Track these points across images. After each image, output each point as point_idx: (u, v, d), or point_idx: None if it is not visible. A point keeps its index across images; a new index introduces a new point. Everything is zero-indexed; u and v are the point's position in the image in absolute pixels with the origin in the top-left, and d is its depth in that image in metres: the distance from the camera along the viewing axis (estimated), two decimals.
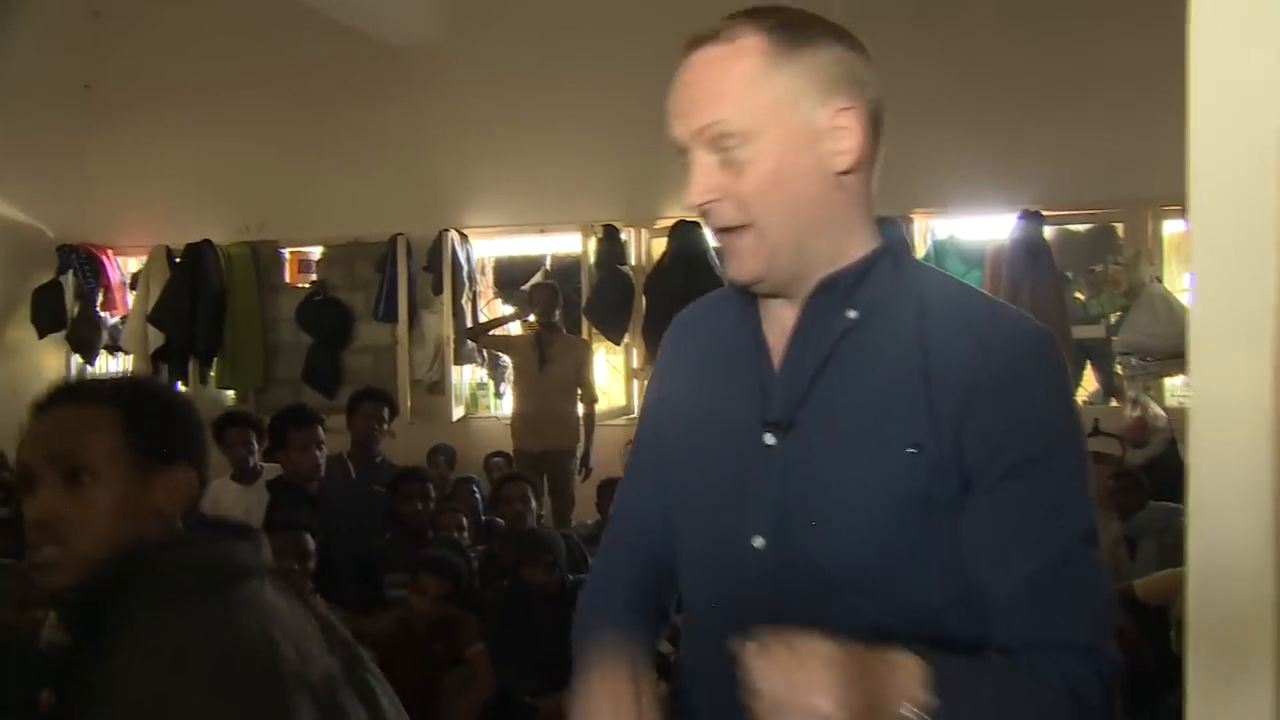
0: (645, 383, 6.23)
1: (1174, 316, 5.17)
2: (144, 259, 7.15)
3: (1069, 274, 5.84)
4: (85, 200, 7.21)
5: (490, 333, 6.18)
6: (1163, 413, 5.15)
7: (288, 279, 7.15)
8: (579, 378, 5.70)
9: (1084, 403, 5.83)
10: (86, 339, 7.15)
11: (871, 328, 1.08)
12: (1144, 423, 5.07)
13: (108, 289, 7.29)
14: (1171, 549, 3.67)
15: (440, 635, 3.30)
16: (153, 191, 7.07)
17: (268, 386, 7.00)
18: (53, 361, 7.35)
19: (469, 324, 6.53)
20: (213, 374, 6.99)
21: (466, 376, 6.94)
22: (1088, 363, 5.87)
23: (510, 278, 7.14)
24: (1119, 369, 5.57)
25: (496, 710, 3.26)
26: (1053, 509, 1.02)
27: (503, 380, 6.70)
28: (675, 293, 5.53)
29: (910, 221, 5.80)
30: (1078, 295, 5.89)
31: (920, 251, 5.77)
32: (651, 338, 5.95)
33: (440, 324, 6.60)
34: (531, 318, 6.01)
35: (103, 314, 7.27)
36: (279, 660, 1.16)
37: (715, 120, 1.05)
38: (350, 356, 6.86)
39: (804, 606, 0.97)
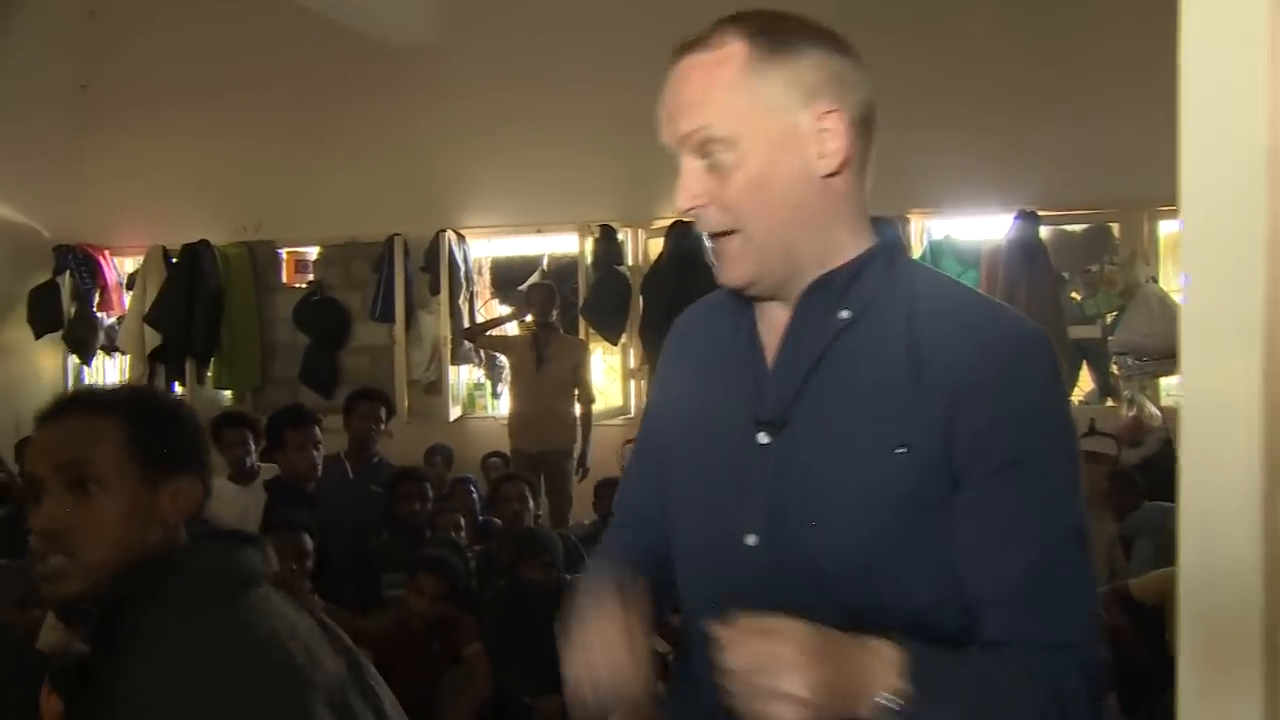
0: (642, 383, 6.26)
1: (1169, 316, 5.16)
2: (140, 259, 7.13)
3: (1065, 274, 5.84)
4: (82, 200, 7.20)
5: (487, 333, 6.19)
6: (1158, 412, 5.17)
7: (285, 279, 7.14)
8: (576, 378, 5.70)
9: (1080, 402, 5.84)
10: (83, 339, 7.14)
11: (864, 327, 1.08)
12: (1139, 422, 5.08)
13: (104, 289, 7.28)
14: (1167, 548, 3.66)
15: (438, 635, 3.31)
16: (149, 192, 7.06)
17: (265, 386, 6.99)
18: (49, 362, 7.35)
19: (466, 324, 6.52)
20: (210, 374, 6.99)
21: (464, 376, 6.94)
22: (1083, 362, 5.88)
23: (507, 278, 7.12)
24: (1115, 369, 5.57)
25: (494, 709, 3.27)
26: (1040, 508, 1.02)
27: (500, 380, 6.69)
28: (672, 293, 5.53)
29: (906, 221, 5.80)
30: (1074, 295, 5.89)
31: (916, 251, 5.76)
32: (648, 338, 5.94)
33: (437, 324, 6.60)
34: (528, 318, 6.01)
35: (99, 314, 7.25)
36: (292, 663, 1.17)
37: (700, 126, 1.06)
38: (347, 356, 6.86)
39: (796, 604, 0.98)
